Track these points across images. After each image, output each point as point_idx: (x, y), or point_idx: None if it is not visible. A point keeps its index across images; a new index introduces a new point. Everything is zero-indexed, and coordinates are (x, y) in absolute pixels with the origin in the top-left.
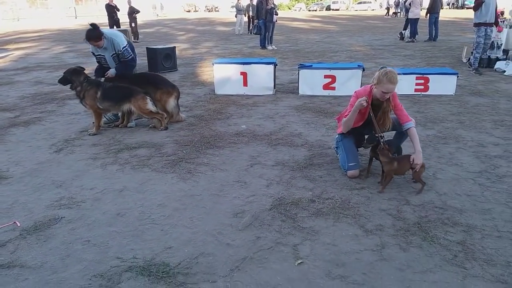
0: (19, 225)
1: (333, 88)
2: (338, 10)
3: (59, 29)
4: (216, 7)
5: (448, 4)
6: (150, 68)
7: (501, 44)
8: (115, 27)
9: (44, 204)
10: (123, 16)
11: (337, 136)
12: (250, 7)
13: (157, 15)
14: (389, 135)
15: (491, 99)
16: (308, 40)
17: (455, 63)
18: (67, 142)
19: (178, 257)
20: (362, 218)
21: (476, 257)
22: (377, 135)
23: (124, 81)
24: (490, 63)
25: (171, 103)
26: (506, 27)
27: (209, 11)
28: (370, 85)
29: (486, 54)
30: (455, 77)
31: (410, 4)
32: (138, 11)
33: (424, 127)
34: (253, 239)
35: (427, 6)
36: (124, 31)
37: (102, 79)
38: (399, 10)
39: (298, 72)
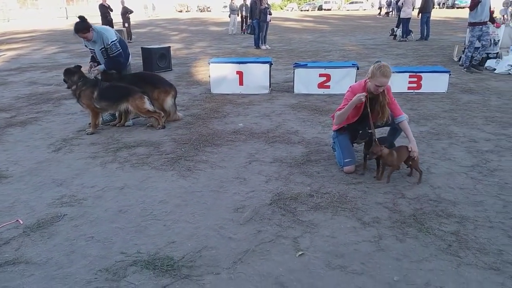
0: (21, 223)
1: (328, 87)
2: (330, 10)
3: (50, 29)
4: (208, 7)
5: (439, 4)
6: (145, 68)
7: (498, 41)
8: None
9: (46, 202)
10: (116, 16)
11: (332, 133)
12: (244, 7)
13: (149, 16)
14: (383, 132)
15: (482, 97)
16: (301, 39)
17: (446, 61)
18: (65, 142)
19: (181, 251)
20: (359, 211)
21: (469, 246)
22: (370, 130)
23: (122, 81)
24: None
25: (168, 102)
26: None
27: (201, 11)
28: (364, 79)
29: (485, 53)
30: (447, 75)
31: (402, 4)
32: (131, 11)
33: (418, 124)
34: (255, 232)
35: (419, 6)
36: (120, 31)
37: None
38: (391, 10)
39: (294, 71)
